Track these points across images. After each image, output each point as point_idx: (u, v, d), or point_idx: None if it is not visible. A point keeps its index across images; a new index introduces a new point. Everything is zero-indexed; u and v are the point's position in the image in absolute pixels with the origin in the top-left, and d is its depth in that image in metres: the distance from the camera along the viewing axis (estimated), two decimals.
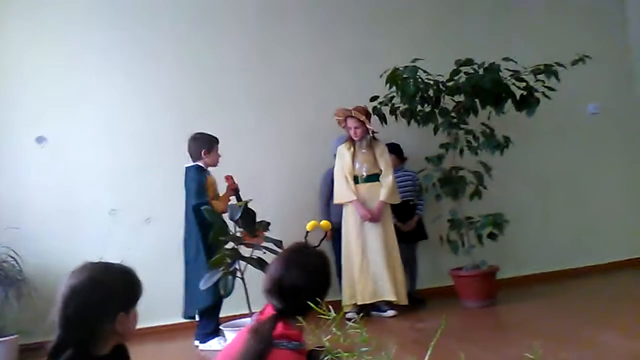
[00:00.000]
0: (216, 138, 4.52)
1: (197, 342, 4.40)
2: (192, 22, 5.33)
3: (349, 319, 5.06)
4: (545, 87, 4.77)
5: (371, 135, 4.90)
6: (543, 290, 5.23)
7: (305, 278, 1.99)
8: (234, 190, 4.45)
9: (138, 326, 5.01)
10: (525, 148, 5.59)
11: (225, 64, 5.35)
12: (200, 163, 4.43)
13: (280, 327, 1.91)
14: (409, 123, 5.09)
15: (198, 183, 4.30)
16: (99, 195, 5.04)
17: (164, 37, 5.27)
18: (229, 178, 4.50)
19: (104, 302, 1.71)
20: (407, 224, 5.25)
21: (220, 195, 4.52)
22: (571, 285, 5.36)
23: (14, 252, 4.60)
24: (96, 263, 1.80)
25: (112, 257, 4.88)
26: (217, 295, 4.03)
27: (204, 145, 4.43)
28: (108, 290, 1.73)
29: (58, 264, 4.83)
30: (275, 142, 5.40)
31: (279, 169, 5.38)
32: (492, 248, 5.04)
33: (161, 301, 4.84)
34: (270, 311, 1.99)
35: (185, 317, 4.52)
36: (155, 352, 4.51)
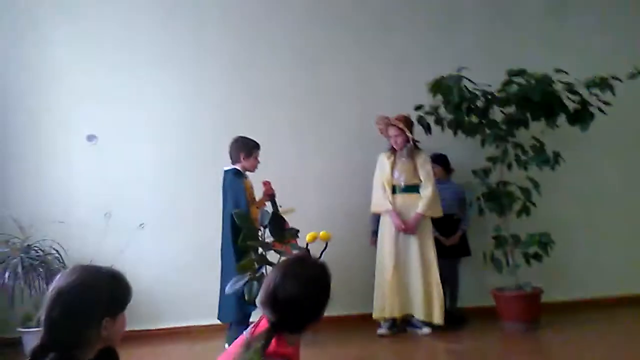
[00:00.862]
0: (257, 143, 4.52)
1: (227, 346, 4.41)
2: (239, 29, 5.35)
3: (381, 335, 4.92)
4: (601, 101, 4.50)
5: (412, 144, 4.77)
6: (591, 317, 4.92)
7: (301, 290, 1.89)
8: (269, 195, 4.45)
9: (171, 325, 5.07)
10: (579, 164, 5.28)
11: (269, 69, 5.34)
12: (237, 166, 4.44)
13: (273, 344, 1.83)
14: (455, 133, 4.92)
15: (237, 189, 4.31)
16: (143, 192, 5.15)
17: (212, 42, 5.32)
18: (266, 183, 4.50)
19: (90, 306, 1.68)
20: (449, 238, 5.07)
21: (257, 200, 4.52)
22: (621, 313, 5.03)
23: (59, 245, 4.75)
24: (86, 266, 1.79)
25: (150, 254, 4.90)
26: (246, 307, 4.07)
27: (243, 149, 4.45)
28: (95, 295, 1.70)
29: (100, 260, 4.99)
30: (317, 149, 5.34)
31: (320, 176, 5.32)
32: (539, 268, 4.80)
33: (195, 302, 4.93)
34: (265, 324, 1.91)
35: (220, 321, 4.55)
36: (186, 352, 4.56)
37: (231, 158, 4.50)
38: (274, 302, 1.87)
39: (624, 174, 5.56)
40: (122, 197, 5.12)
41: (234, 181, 4.36)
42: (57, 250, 4.72)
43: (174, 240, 5.12)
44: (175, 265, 5.08)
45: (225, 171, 4.50)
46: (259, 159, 4.57)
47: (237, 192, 4.30)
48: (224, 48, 5.34)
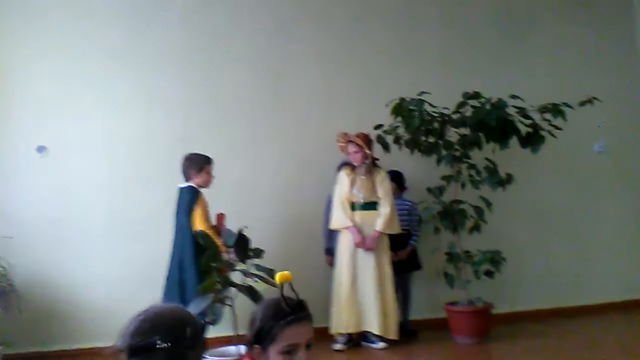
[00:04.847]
0: (208, 158, 4.45)
1: None
2: (201, 37, 5.28)
3: (337, 350, 4.95)
4: (552, 125, 4.73)
5: (370, 161, 4.84)
6: (537, 329, 5.15)
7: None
8: (218, 230, 4.31)
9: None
10: (529, 184, 5.54)
11: (231, 82, 5.30)
12: (192, 184, 4.38)
13: None
14: (412, 152, 5.04)
15: (192, 207, 4.25)
16: (93, 206, 4.99)
17: (171, 50, 5.21)
18: (220, 217, 4.42)
19: None
20: (398, 253, 5.16)
21: (211, 218, 4.43)
22: (566, 324, 5.28)
23: (6, 261, 4.54)
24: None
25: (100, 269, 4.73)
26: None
27: (193, 165, 4.39)
28: None
29: (48, 276, 4.81)
30: (277, 165, 5.34)
31: (279, 192, 5.31)
32: (489, 282, 4.98)
33: None
34: None
35: None
36: None
37: (184, 175, 4.43)
38: None
39: (572, 193, 5.84)
40: (71, 210, 4.95)
41: (190, 199, 4.29)
42: (3, 267, 4.50)
43: (124, 254, 4.97)
44: (124, 281, 4.93)
45: (180, 188, 4.41)
46: (213, 174, 4.48)
47: (192, 210, 4.24)
48: (185, 59, 5.24)
